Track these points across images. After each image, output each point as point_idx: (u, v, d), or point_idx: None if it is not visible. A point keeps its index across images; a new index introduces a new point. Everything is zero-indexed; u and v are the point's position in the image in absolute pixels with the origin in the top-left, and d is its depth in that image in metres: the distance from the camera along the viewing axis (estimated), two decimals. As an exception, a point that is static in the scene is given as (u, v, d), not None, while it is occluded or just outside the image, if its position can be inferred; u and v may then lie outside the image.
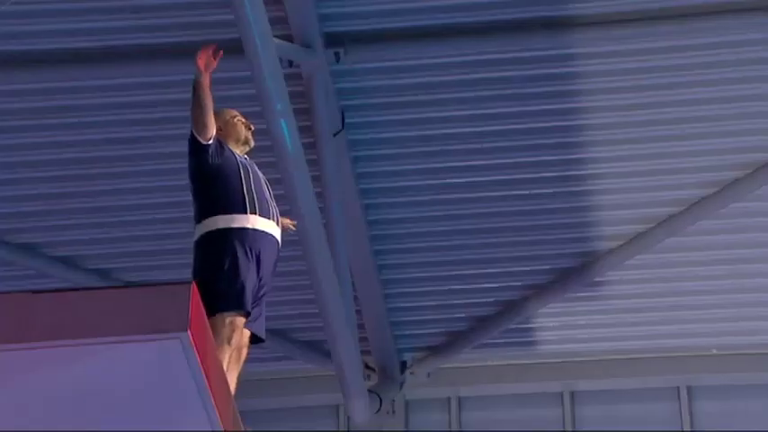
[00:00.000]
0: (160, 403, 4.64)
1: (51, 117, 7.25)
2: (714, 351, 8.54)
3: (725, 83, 7.04)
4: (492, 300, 8.44)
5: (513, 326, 8.55)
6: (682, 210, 7.73)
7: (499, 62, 7.00)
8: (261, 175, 5.61)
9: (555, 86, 7.04)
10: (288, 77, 6.56)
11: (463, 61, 7.00)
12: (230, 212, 5.44)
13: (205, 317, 4.62)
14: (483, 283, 8.25)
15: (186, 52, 6.78)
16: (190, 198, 7.58)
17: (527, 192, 7.61)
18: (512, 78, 7.02)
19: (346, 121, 7.20)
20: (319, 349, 8.57)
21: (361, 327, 8.26)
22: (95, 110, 7.22)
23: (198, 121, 5.45)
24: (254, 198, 5.46)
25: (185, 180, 7.51)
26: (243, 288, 5.30)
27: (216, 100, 7.09)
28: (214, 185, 5.51)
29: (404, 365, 8.84)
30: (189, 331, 4.20)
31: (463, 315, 8.58)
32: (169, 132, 7.25)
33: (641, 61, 6.94)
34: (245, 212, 5.43)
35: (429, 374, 8.85)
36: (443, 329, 8.69)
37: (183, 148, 7.29)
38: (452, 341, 8.73)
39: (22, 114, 7.22)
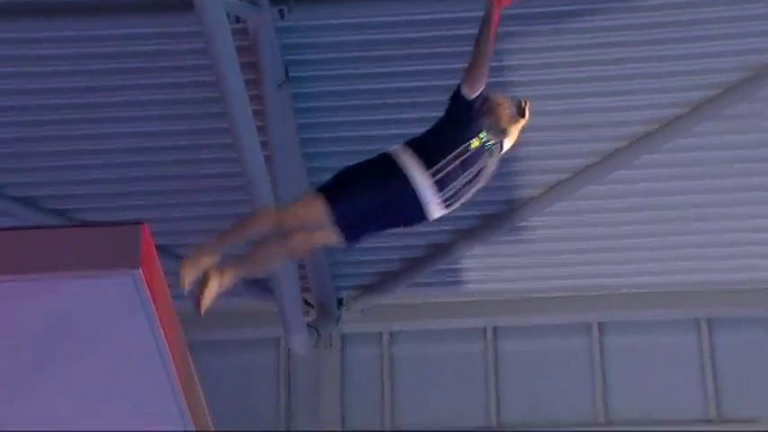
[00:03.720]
0: (113, 340, 4.63)
1: (13, 66, 7.16)
2: (623, 290, 8.63)
3: (633, 45, 7.07)
4: (423, 243, 8.47)
5: (442, 267, 8.59)
6: (598, 161, 7.80)
7: (442, 22, 6.98)
8: (480, 171, 5.00)
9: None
10: (235, 33, 6.51)
11: (406, 20, 6.98)
12: (423, 162, 4.92)
13: (157, 258, 4.58)
14: (415, 228, 8.26)
15: (132, 9, 6.75)
16: (144, 143, 7.56)
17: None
18: (455, 37, 7.00)
19: (290, 75, 7.17)
20: (262, 287, 8.57)
21: (301, 266, 8.27)
22: (53, 60, 7.13)
23: (473, 67, 4.84)
24: (449, 182, 4.92)
25: (143, 127, 7.50)
26: (358, 207, 4.91)
27: (164, 54, 7.01)
28: (444, 135, 4.96)
29: (340, 302, 8.86)
30: (140, 269, 4.18)
31: (396, 256, 8.61)
32: (125, 83, 7.19)
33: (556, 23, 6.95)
34: (431, 180, 4.89)
35: (363, 311, 8.88)
36: (377, 269, 8.73)
37: (141, 97, 7.27)
38: (386, 280, 8.76)
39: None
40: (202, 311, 5.03)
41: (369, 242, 8.33)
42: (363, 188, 4.90)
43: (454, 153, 4.92)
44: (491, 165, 5.05)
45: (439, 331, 8.91)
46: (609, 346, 8.75)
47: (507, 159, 7.66)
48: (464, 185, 4.99)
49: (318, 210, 4.87)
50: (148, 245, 4.29)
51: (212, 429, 6.02)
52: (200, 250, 5.00)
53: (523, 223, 8.23)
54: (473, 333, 8.88)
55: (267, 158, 7.09)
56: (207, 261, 5.00)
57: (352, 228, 4.93)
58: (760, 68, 7.18)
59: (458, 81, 7.10)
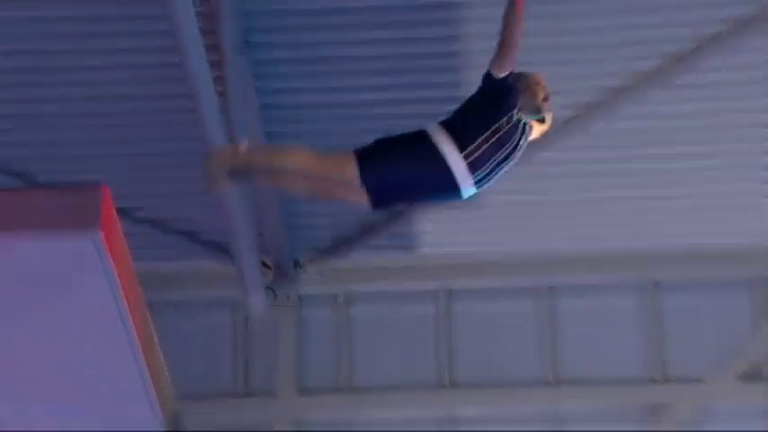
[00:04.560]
0: (73, 300, 4.65)
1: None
2: (574, 254, 8.71)
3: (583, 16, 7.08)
4: (380, 206, 8.48)
5: (399, 230, 8.63)
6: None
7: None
8: (513, 150, 4.98)
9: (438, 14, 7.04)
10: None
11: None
12: (457, 143, 4.90)
13: (117, 220, 4.60)
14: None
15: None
16: (105, 106, 7.52)
17: (416, 111, 7.61)
18: (418, 6, 6.98)
19: (250, 41, 7.15)
20: (220, 248, 8.57)
21: (258, 228, 8.27)
22: (11, 23, 7.06)
23: (501, 47, 4.85)
24: (482, 163, 4.89)
25: (103, 90, 7.46)
26: (388, 177, 4.92)
27: (123, 19, 6.93)
28: (476, 116, 4.95)
29: (297, 264, 8.87)
30: (101, 230, 4.19)
31: (353, 219, 8.62)
32: (84, 47, 7.15)
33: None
34: (464, 161, 4.87)
35: (320, 273, 8.90)
36: (335, 232, 8.74)
37: (101, 61, 7.23)
38: (343, 243, 8.78)
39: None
40: (213, 191, 5.04)
41: (326, 205, 8.39)
42: (397, 159, 4.91)
43: (487, 134, 4.92)
44: (524, 143, 5.05)
45: (395, 293, 8.96)
46: (560, 309, 8.84)
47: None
48: (497, 165, 4.99)
49: (348, 169, 4.90)
50: (109, 206, 4.31)
51: (170, 388, 6.06)
52: (233, 151, 5.05)
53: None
54: (428, 295, 8.94)
55: (226, 123, 7.08)
56: (234, 160, 5.01)
57: (380, 194, 4.95)
58: (710, 38, 7.20)
59: (421, 48, 7.17)
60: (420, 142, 4.93)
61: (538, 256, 8.75)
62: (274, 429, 8.75)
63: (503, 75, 4.95)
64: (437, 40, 7.20)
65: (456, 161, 4.89)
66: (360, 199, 4.98)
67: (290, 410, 8.77)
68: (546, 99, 5.06)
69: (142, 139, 7.82)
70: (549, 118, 5.10)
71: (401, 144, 4.97)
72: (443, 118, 5.06)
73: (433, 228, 8.64)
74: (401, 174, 4.92)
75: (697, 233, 8.51)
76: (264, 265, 8.70)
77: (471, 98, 5.05)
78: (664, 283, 8.77)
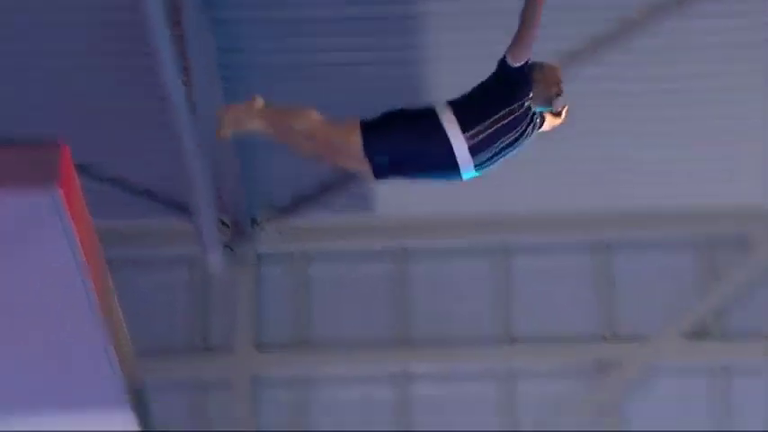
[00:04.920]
0: (32, 257, 4.65)
1: None
2: (529, 214, 8.77)
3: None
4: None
5: (357, 189, 8.65)
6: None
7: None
8: (519, 138, 5.01)
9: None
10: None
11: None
12: (462, 125, 4.92)
13: (76, 177, 4.59)
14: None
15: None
16: (65, 62, 7.47)
17: (377, 73, 7.62)
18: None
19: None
20: (179, 206, 8.56)
21: (217, 186, 8.25)
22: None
23: (518, 35, 4.81)
24: (485, 147, 4.91)
25: (63, 46, 7.39)
26: (391, 149, 4.95)
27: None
28: (485, 100, 4.94)
29: (255, 222, 8.88)
30: (59, 187, 4.19)
31: (312, 178, 8.64)
32: (42, 3, 7.09)
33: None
34: (467, 143, 4.89)
35: (279, 231, 8.92)
36: (293, 191, 8.75)
37: (59, 16, 7.17)
38: (301, 202, 8.81)
39: None
40: (222, 137, 5.17)
41: (284, 164, 8.39)
42: (400, 133, 4.94)
43: (493, 118, 4.93)
44: (531, 132, 5.06)
45: (352, 252, 9.00)
46: (514, 268, 8.92)
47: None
48: (501, 150, 5.02)
49: (352, 137, 4.94)
50: (67, 163, 4.31)
51: (129, 344, 6.08)
52: (246, 105, 5.12)
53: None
54: (384, 254, 8.99)
55: (185, 80, 7.06)
56: (245, 114, 5.11)
57: (381, 165, 4.98)
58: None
59: (380, 10, 7.16)
60: (426, 119, 4.95)
61: (493, 217, 8.81)
62: (232, 385, 8.79)
63: (517, 63, 4.93)
64: (397, 1, 7.20)
65: (459, 142, 4.91)
66: (362, 168, 5.02)
67: (248, 366, 8.82)
68: (559, 94, 5.03)
69: (101, 96, 7.79)
70: (564, 112, 5.09)
71: (407, 119, 4.99)
72: (454, 98, 5.06)
73: (390, 188, 8.67)
74: (403, 148, 4.94)
75: (647, 196, 8.61)
76: (223, 223, 8.71)
77: (484, 82, 5.03)
78: (615, 244, 8.87)
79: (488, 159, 5.01)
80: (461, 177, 5.02)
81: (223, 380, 8.82)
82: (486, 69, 5.09)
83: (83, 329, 5.35)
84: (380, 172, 5.00)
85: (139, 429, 6.22)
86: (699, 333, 8.70)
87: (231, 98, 7.71)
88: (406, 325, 8.87)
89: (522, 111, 4.97)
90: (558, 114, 5.09)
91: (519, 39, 4.89)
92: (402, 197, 8.75)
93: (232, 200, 8.56)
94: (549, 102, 5.02)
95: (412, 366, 8.82)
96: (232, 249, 8.80)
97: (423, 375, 8.80)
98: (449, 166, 4.95)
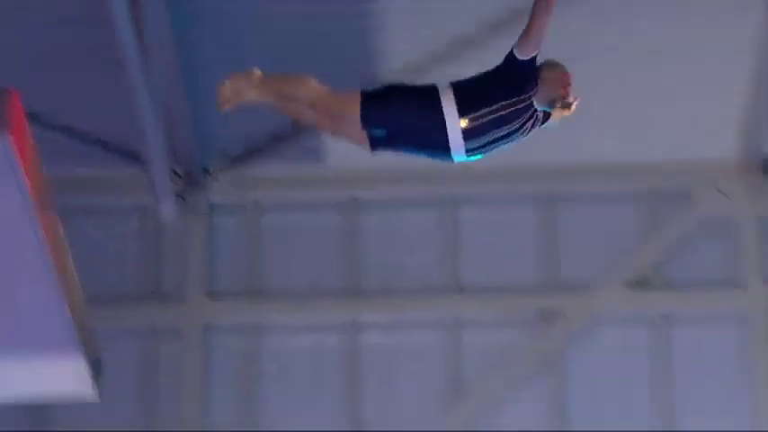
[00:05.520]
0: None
1: None
2: (477, 167, 8.76)
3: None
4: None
5: (309, 140, 8.66)
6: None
7: None
8: (515, 132, 5.00)
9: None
10: None
11: None
12: (460, 108, 4.91)
13: (26, 124, 4.56)
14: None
15: None
16: (17, 11, 7.40)
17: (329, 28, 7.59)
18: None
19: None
20: (132, 155, 8.53)
21: (169, 135, 8.22)
22: None
23: (527, 29, 4.79)
24: (478, 134, 4.93)
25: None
26: (388, 121, 4.98)
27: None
28: (486, 89, 4.93)
29: (207, 172, 8.87)
30: (9, 134, 4.18)
31: (264, 128, 8.63)
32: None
33: None
34: (461, 126, 4.88)
35: (231, 181, 8.92)
36: (246, 141, 8.75)
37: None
38: (254, 152, 8.81)
39: None
40: (224, 110, 5.17)
41: (237, 114, 8.34)
42: (398, 107, 4.96)
43: (492, 108, 4.93)
44: (531, 127, 5.07)
45: (304, 203, 9.02)
46: (461, 219, 8.97)
47: (372, 29, 7.68)
48: (495, 140, 5.03)
49: (352, 106, 4.96)
50: (18, 111, 4.29)
51: (80, 292, 6.07)
52: (245, 76, 5.10)
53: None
54: (336, 205, 9.02)
55: (137, 30, 7.00)
56: (244, 85, 5.09)
57: (378, 137, 5.02)
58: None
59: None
60: (426, 96, 4.96)
61: (441, 169, 8.81)
62: (184, 333, 8.81)
63: (524, 57, 4.91)
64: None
65: (453, 124, 4.91)
66: (360, 138, 5.07)
67: (200, 314, 8.85)
68: (564, 98, 5.00)
69: (52, 44, 7.73)
70: (574, 105, 5.05)
71: (407, 93, 5.00)
72: (458, 80, 5.05)
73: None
74: (400, 122, 4.95)
75: (592, 149, 8.67)
76: (175, 172, 8.70)
77: (490, 70, 5.03)
78: (560, 196, 8.94)
79: (481, 147, 5.02)
80: (452, 159, 5.03)
81: (175, 328, 8.84)
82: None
83: (33, 277, 5.34)
84: (377, 143, 5.06)
85: (90, 376, 6.23)
86: (641, 283, 8.81)
87: (184, 46, 7.68)
88: (356, 275, 8.92)
89: (523, 105, 4.96)
90: (567, 107, 5.04)
91: (527, 33, 4.88)
92: (353, 149, 8.73)
93: (185, 149, 8.54)
94: (551, 103, 5.01)
95: (361, 315, 8.89)
96: (184, 199, 8.80)
97: (372, 324, 8.86)
98: (440, 146, 4.97)
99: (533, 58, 4.95)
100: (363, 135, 5.04)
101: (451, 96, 4.95)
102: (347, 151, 8.77)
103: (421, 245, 8.93)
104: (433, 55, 7.98)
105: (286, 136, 8.65)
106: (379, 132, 4.99)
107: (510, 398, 8.68)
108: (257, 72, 5.13)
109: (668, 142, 8.53)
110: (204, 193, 8.92)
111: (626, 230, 8.85)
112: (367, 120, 4.96)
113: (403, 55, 7.96)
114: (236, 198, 9.00)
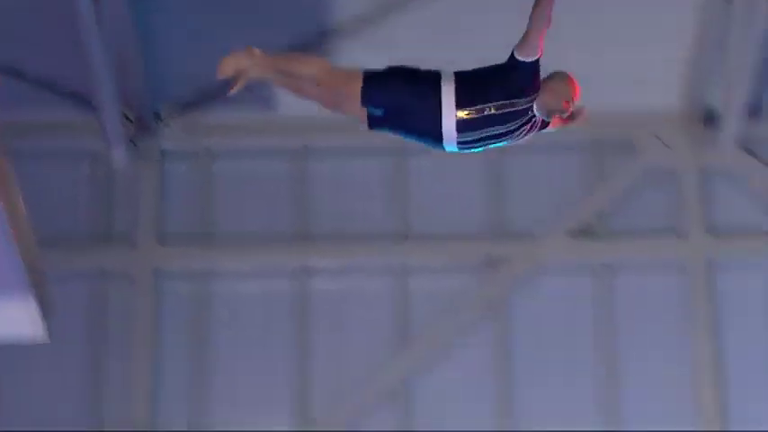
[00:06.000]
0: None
1: None
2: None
3: None
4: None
5: (261, 88, 8.63)
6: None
7: None
8: (509, 133, 4.98)
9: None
10: None
11: None
12: (457, 98, 4.90)
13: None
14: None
15: None
16: None
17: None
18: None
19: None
20: (83, 100, 8.50)
21: (119, 79, 8.20)
22: None
23: (527, 32, 4.80)
24: (471, 128, 4.91)
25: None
26: (387, 102, 4.99)
27: None
28: (485, 84, 4.91)
29: (158, 117, 8.86)
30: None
31: (215, 76, 8.58)
32: None
33: None
34: (456, 117, 4.88)
35: (182, 128, 8.91)
36: (198, 87, 8.74)
37: None
38: (206, 98, 8.80)
39: None
40: (233, 91, 5.21)
41: (189, 60, 8.34)
42: (399, 89, 4.97)
43: (489, 105, 4.93)
44: (526, 130, 5.06)
45: (256, 150, 9.04)
46: (410, 168, 9.02)
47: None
48: (487, 137, 5.02)
49: (353, 85, 5.00)
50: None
51: (31, 236, 6.08)
52: (248, 52, 5.12)
53: (334, 50, 8.33)
54: (286, 153, 9.04)
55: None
56: (248, 62, 5.12)
57: (376, 117, 5.05)
58: None
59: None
60: (426, 81, 4.97)
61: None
62: (134, 277, 8.83)
63: (524, 59, 4.91)
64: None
65: (449, 113, 4.93)
66: (361, 116, 5.09)
67: (150, 259, 8.86)
68: (563, 111, 4.96)
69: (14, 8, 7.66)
70: (581, 117, 5.03)
71: (409, 77, 5.01)
72: (462, 69, 5.05)
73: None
74: (398, 104, 4.98)
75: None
76: (126, 118, 8.68)
77: (495, 66, 5.03)
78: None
79: (473, 141, 5.02)
80: (443, 148, 5.04)
81: (125, 272, 8.85)
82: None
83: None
84: (374, 122, 5.08)
85: (40, 317, 6.25)
86: (584, 232, 8.90)
87: (139, 13, 7.60)
88: (306, 221, 8.96)
89: (520, 108, 4.96)
90: (569, 118, 5.02)
91: (526, 35, 4.89)
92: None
93: (136, 95, 8.53)
94: (548, 112, 5.00)
95: (311, 261, 8.94)
96: (135, 144, 8.80)
97: (321, 270, 8.92)
98: (433, 133, 4.98)
99: (535, 62, 4.96)
100: (364, 113, 5.09)
101: (452, 86, 4.97)
102: (298, 100, 8.83)
103: (370, 192, 8.98)
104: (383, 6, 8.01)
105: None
106: (378, 112, 5.04)
107: (457, 343, 8.78)
108: (256, 50, 5.16)
109: (612, 93, 8.57)
110: (156, 138, 8.92)
111: (570, 180, 8.92)
112: (366, 98, 5.01)
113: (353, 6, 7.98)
114: (187, 144, 9.00)
